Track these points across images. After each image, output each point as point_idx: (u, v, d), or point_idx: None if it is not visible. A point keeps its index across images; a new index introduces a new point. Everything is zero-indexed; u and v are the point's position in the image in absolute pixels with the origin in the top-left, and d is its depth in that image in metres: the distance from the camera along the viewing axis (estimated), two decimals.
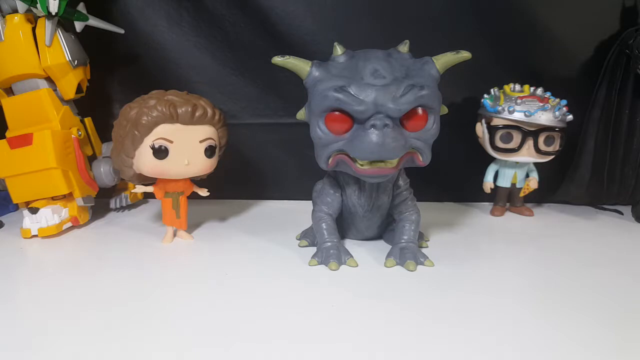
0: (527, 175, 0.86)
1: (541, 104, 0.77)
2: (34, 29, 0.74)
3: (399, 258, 0.62)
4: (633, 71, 0.79)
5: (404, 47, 0.59)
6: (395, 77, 0.55)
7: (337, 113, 0.56)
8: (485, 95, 0.81)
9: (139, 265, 0.64)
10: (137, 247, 0.71)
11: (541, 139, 0.78)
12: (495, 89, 0.80)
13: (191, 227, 0.77)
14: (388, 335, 0.46)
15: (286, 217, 0.84)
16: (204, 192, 0.73)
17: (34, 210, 0.73)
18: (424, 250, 0.66)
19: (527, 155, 0.80)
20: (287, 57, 0.59)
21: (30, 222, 0.72)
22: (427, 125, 0.57)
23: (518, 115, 0.77)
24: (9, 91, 0.79)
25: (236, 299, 0.53)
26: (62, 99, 0.78)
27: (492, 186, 0.86)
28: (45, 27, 0.73)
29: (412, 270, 0.60)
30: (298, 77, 0.60)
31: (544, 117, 0.77)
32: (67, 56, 0.75)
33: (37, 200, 0.75)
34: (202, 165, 0.69)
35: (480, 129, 0.82)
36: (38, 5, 0.72)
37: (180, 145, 0.66)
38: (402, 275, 0.60)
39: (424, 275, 0.60)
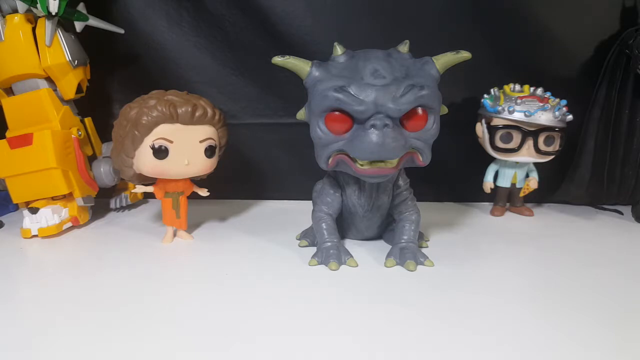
0: (527, 175, 0.86)
1: (541, 104, 0.77)
2: (34, 29, 0.74)
3: (399, 258, 0.62)
4: (633, 71, 0.79)
5: (404, 47, 0.59)
6: (395, 77, 0.55)
7: (337, 113, 0.56)
8: (485, 95, 0.81)
9: (139, 265, 0.64)
10: (137, 247, 0.71)
11: (541, 139, 0.78)
12: (495, 89, 0.80)
13: (191, 227, 0.77)
14: (388, 335, 0.46)
15: (286, 217, 0.84)
16: (204, 192, 0.73)
17: (34, 210, 0.73)
18: (424, 250, 0.66)
19: (527, 155, 0.80)
20: (287, 57, 0.59)
21: (30, 222, 0.72)
22: (427, 125, 0.57)
23: (518, 115, 0.77)
24: (9, 91, 0.79)
25: (236, 299, 0.53)
26: (62, 99, 0.78)
27: (492, 186, 0.86)
28: (45, 27, 0.73)
29: (412, 270, 0.60)
30: (298, 77, 0.60)
31: (544, 117, 0.77)
32: (67, 56, 0.75)
33: (37, 200, 0.75)
34: (202, 165, 0.69)
35: (480, 129, 0.82)
36: (38, 5, 0.72)
37: (180, 145, 0.66)
38: (402, 275, 0.60)
39: (424, 275, 0.60)
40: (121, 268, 0.63)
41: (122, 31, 0.82)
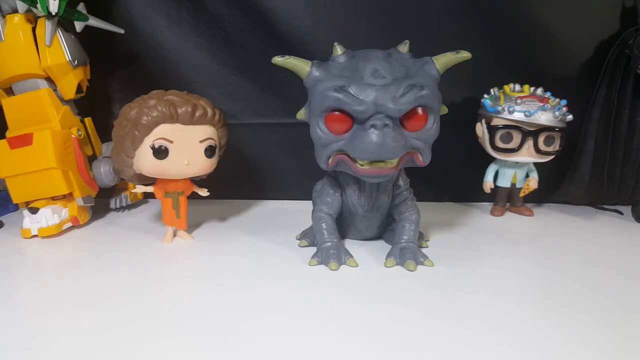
0: (527, 175, 0.86)
1: (541, 104, 0.77)
2: (34, 29, 0.74)
3: (399, 258, 0.62)
4: (633, 71, 0.79)
5: (404, 47, 0.59)
6: (395, 77, 0.55)
7: (337, 113, 0.56)
8: (485, 95, 0.81)
9: (139, 265, 0.64)
10: (137, 247, 0.71)
11: (541, 139, 0.78)
12: (495, 89, 0.80)
13: (191, 227, 0.77)
14: (388, 335, 0.46)
15: (286, 217, 0.84)
16: (204, 192, 0.73)
17: (34, 210, 0.73)
18: (424, 250, 0.66)
19: (527, 155, 0.80)
20: (287, 57, 0.59)
21: (30, 222, 0.72)
22: (427, 125, 0.57)
23: (518, 115, 0.77)
24: (9, 91, 0.79)
25: (236, 299, 0.53)
26: (62, 99, 0.78)
27: (492, 186, 0.86)
28: (45, 27, 0.73)
29: (412, 270, 0.60)
30: (298, 77, 0.60)
31: (544, 117, 0.77)
32: (67, 56, 0.75)
33: (37, 200, 0.75)
34: (202, 165, 0.69)
35: (480, 129, 0.82)
36: (38, 5, 0.72)
37: (180, 145, 0.66)
38: (402, 275, 0.60)
39: (424, 275, 0.60)
40: (121, 268, 0.63)
41: (122, 31, 0.82)
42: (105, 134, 0.81)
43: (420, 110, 0.56)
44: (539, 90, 0.78)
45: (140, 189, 0.72)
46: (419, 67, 0.57)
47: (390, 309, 0.51)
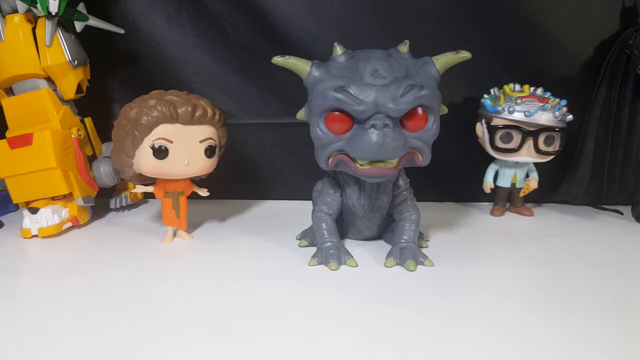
0: (527, 175, 0.86)
1: (541, 104, 0.77)
2: (34, 29, 0.74)
3: (399, 258, 0.62)
4: (633, 71, 0.79)
5: (404, 47, 0.59)
6: (395, 77, 0.55)
7: (337, 113, 0.56)
8: (485, 95, 0.81)
9: (139, 265, 0.64)
10: (137, 247, 0.71)
11: (541, 139, 0.78)
12: (495, 89, 0.80)
13: (191, 227, 0.77)
14: (388, 335, 0.46)
15: (286, 217, 0.84)
16: (204, 192, 0.73)
17: (34, 210, 0.73)
18: (424, 250, 0.66)
19: (527, 155, 0.80)
20: (287, 57, 0.59)
21: (30, 222, 0.72)
22: (427, 125, 0.57)
23: (518, 115, 0.77)
24: (9, 91, 0.79)
25: (236, 299, 0.53)
26: (62, 99, 0.78)
27: (492, 186, 0.86)
28: (45, 27, 0.73)
29: (412, 270, 0.60)
30: (298, 77, 0.60)
31: (544, 117, 0.77)
32: (67, 56, 0.75)
33: (37, 200, 0.75)
34: (202, 165, 0.69)
35: (480, 129, 0.82)
36: (38, 5, 0.72)
37: (180, 145, 0.66)
38: (402, 275, 0.60)
39: (424, 275, 0.60)
40: (121, 268, 0.63)
41: (122, 31, 0.82)
42: (105, 134, 0.81)
43: (420, 110, 0.56)
44: (539, 90, 0.78)
45: (140, 189, 0.72)
46: (419, 67, 0.57)
47: (390, 309, 0.51)
